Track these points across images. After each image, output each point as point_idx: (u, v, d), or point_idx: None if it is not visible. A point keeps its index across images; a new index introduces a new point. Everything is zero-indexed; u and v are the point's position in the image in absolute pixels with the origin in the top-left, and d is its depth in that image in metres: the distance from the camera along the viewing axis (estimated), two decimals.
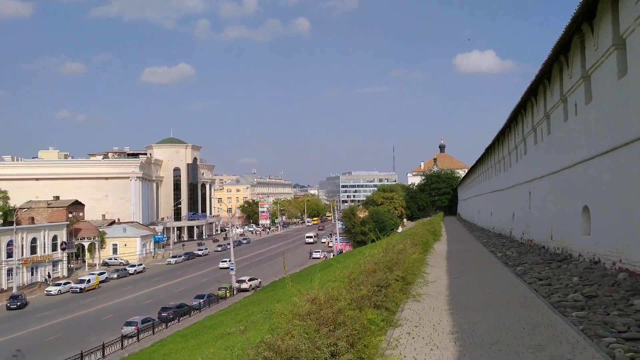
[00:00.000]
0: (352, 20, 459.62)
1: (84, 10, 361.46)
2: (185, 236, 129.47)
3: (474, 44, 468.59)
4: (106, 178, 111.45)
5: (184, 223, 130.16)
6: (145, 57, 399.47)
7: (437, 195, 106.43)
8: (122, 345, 38.50)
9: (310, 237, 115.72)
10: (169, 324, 45.17)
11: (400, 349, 7.89)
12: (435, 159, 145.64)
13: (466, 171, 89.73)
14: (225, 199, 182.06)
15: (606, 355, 7.29)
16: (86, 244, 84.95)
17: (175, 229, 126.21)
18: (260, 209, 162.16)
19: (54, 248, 75.62)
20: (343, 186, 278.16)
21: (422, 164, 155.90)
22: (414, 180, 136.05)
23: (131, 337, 40.89)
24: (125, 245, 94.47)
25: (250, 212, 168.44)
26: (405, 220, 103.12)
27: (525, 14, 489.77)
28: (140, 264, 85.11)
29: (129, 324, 42.82)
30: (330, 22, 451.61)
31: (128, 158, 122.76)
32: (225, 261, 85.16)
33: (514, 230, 34.95)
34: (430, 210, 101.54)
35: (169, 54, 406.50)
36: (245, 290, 59.39)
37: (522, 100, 26.82)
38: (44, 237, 73.87)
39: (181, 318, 47.18)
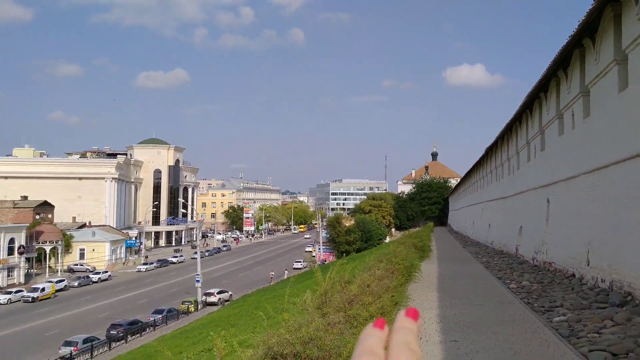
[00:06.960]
0: (345, 32, 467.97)
1: (84, 17, 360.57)
2: (163, 242, 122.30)
3: (464, 58, 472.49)
4: (80, 178, 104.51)
5: (162, 228, 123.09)
6: (142, 61, 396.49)
7: (428, 205, 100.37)
8: None
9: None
10: (115, 344, 39.07)
11: None
12: (427, 167, 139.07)
13: (459, 180, 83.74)
14: (210, 203, 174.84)
15: None
16: (48, 248, 77.69)
17: (153, 234, 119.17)
18: (244, 214, 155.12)
19: (11, 252, 68.52)
20: (333, 193, 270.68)
21: (414, 171, 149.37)
22: (404, 188, 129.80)
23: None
24: (94, 250, 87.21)
25: (234, 217, 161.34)
26: (393, 230, 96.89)
27: (515, 30, 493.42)
28: (106, 271, 77.98)
29: (68, 343, 37.20)
30: (324, 34, 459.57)
31: (107, 158, 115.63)
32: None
33: (521, 248, 28.45)
34: (420, 220, 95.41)
35: (165, 60, 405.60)
36: (213, 304, 53.80)
37: (542, 80, 20.17)
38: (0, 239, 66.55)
39: (131, 337, 41.14)
